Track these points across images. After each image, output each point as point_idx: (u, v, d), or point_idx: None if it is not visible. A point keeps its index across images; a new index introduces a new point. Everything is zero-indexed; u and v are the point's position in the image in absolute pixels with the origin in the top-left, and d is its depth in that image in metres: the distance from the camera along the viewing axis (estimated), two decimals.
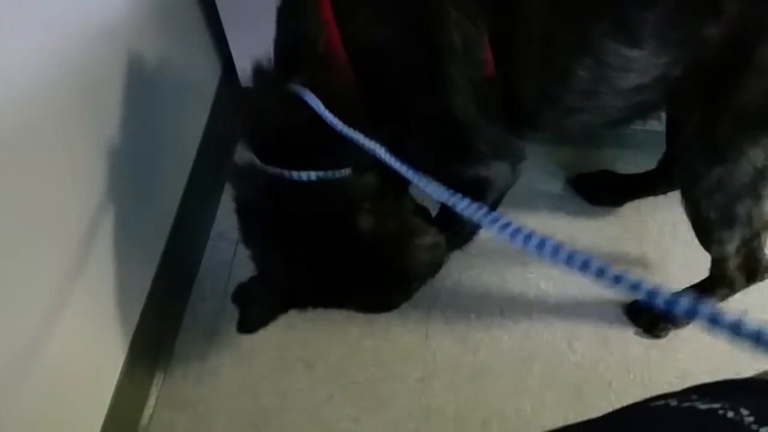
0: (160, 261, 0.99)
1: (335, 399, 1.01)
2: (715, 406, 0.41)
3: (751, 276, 0.94)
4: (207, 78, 1.15)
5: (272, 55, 0.74)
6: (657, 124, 0.94)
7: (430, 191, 0.48)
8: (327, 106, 0.65)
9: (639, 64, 0.69)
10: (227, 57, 1.15)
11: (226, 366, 1.04)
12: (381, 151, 0.56)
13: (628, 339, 1.06)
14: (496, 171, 0.82)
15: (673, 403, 0.44)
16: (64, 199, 0.74)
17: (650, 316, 1.06)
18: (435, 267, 0.78)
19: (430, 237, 0.74)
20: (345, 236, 0.70)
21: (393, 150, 0.70)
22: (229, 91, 1.17)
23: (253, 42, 1.07)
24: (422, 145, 0.73)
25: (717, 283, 0.97)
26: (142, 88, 0.91)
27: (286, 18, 0.73)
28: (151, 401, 0.99)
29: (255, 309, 0.79)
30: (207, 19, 1.10)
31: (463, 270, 1.12)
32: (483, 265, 1.13)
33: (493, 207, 0.88)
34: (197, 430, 0.99)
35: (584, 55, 0.68)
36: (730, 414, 0.40)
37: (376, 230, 0.72)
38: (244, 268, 1.11)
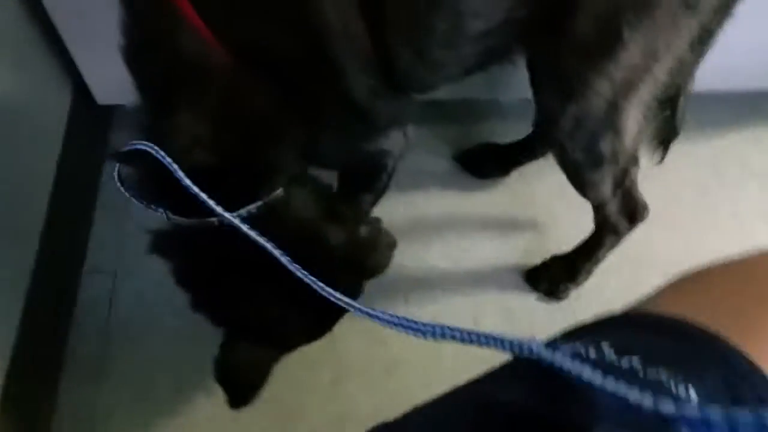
0: (24, 306, 0.89)
1: (243, 420, 0.95)
2: (577, 347, 0.40)
3: (632, 217, 0.97)
4: (56, 101, 1.05)
5: (139, 95, 0.65)
6: (528, 93, 0.95)
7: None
8: (240, 121, 0.63)
9: (485, 9, 0.69)
10: (77, 76, 1.06)
11: (120, 409, 0.95)
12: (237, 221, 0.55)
13: (532, 306, 1.07)
14: (393, 140, 0.81)
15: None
16: None
17: (548, 279, 1.07)
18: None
19: (387, 236, 0.75)
20: (312, 256, 0.62)
21: (306, 139, 0.69)
22: (85, 111, 1.08)
23: (104, 56, 0.99)
24: (327, 131, 0.72)
25: (602, 232, 0.99)
26: None
27: (147, 47, 0.64)
28: None
29: (245, 376, 0.73)
30: (48, 40, 1.00)
31: None
32: None
33: (389, 179, 0.87)
34: None
35: (438, 6, 0.68)
36: (592, 352, 0.39)
37: (350, 239, 0.70)
38: (126, 299, 1.04)
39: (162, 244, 0.68)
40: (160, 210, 0.64)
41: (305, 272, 0.50)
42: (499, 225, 1.14)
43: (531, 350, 0.34)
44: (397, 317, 0.42)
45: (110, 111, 1.14)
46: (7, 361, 0.85)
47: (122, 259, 1.05)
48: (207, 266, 0.68)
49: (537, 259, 1.09)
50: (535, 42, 0.76)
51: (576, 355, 0.40)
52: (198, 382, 0.97)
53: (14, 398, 0.85)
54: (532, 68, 0.82)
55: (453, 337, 0.39)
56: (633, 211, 0.97)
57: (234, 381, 0.73)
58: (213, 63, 0.62)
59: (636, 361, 0.36)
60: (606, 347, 0.38)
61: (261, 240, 0.55)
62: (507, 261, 1.10)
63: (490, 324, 1.04)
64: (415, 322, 0.41)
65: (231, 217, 0.57)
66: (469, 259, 1.10)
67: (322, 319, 0.75)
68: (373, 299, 1.05)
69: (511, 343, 0.36)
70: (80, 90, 1.08)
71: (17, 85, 0.93)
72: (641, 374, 0.35)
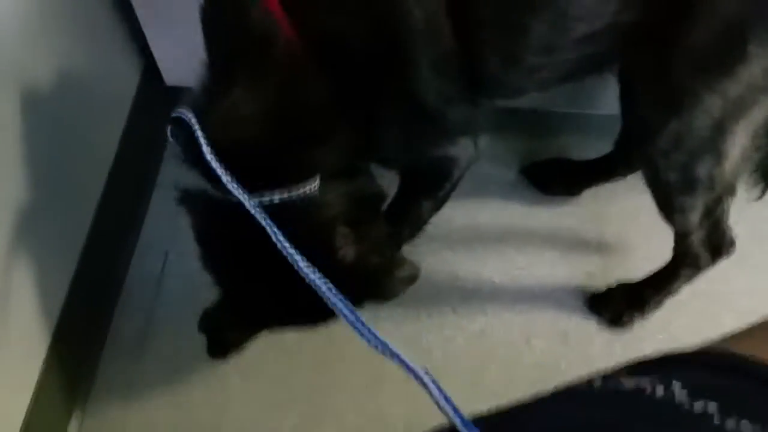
0: (75, 276, 0.90)
1: (277, 409, 0.93)
2: (643, 382, 0.35)
3: (716, 252, 0.89)
4: (125, 78, 1.08)
5: (207, 64, 0.66)
6: (612, 109, 0.89)
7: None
8: (296, 109, 0.63)
9: (590, 11, 0.65)
10: (148, 56, 1.08)
11: (156, 386, 0.95)
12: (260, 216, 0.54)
13: (590, 333, 0.99)
14: (462, 148, 0.78)
15: (598, 383, 0.38)
16: None
17: (613, 307, 0.99)
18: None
19: (409, 269, 0.71)
20: (318, 259, 0.63)
21: (364, 137, 0.68)
22: (152, 90, 1.10)
23: (176, 37, 1.01)
24: (391, 132, 0.71)
25: (681, 263, 0.91)
26: (50, 92, 0.83)
27: (220, 18, 0.65)
28: (72, 428, 0.90)
29: (226, 335, 0.77)
30: (122, 18, 1.03)
31: None
32: (434, 263, 1.05)
33: (452, 188, 0.84)
34: None
35: (540, 7, 0.65)
36: (659, 390, 0.34)
37: (357, 262, 0.68)
38: (175, 279, 1.05)
39: (189, 200, 0.69)
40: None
41: (306, 266, 0.48)
42: (563, 245, 1.08)
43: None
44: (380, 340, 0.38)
45: (177, 92, 1.15)
46: (54, 326, 0.87)
47: (175, 240, 1.06)
48: (221, 235, 0.69)
49: (601, 284, 1.02)
50: (641, 49, 0.70)
51: (639, 392, 0.35)
52: (235, 369, 0.95)
53: (58, 361, 0.87)
54: (626, 79, 0.77)
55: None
56: (718, 245, 0.89)
57: (214, 336, 0.77)
58: (280, 46, 0.62)
59: (712, 408, 0.31)
60: (677, 387, 0.33)
61: (269, 227, 0.54)
62: (567, 282, 1.03)
63: (543, 345, 0.97)
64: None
65: (244, 199, 0.57)
66: (526, 276, 1.04)
67: (308, 313, 0.73)
68: (419, 306, 1.02)
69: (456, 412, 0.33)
70: (150, 69, 1.10)
71: (90, 60, 0.95)
72: (716, 422, 0.30)
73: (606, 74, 0.80)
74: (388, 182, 0.82)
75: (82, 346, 0.94)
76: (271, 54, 0.62)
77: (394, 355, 0.37)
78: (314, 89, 0.64)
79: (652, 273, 0.97)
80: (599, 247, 1.08)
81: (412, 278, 0.71)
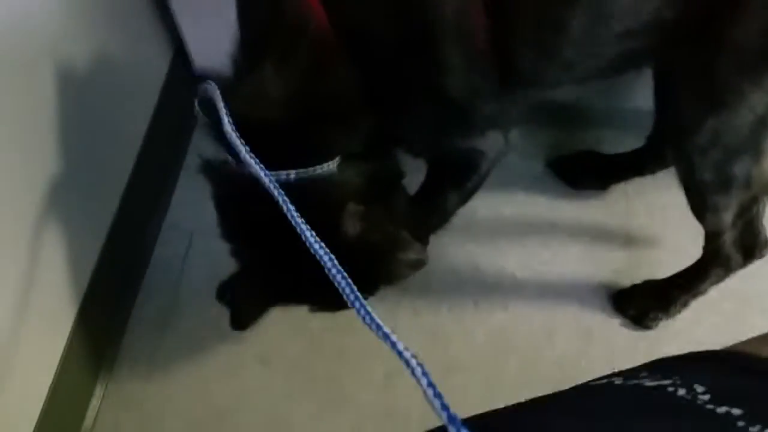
0: (102, 252, 0.92)
1: (294, 397, 0.94)
2: (665, 382, 0.34)
3: (749, 253, 0.86)
4: (156, 63, 1.09)
5: (238, 43, 0.68)
6: (645, 103, 0.87)
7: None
8: (321, 94, 0.64)
9: (631, 7, 0.64)
10: (178, 41, 1.09)
11: (177, 363, 0.96)
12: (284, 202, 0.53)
13: (614, 331, 0.97)
14: (491, 141, 0.77)
15: (618, 381, 0.37)
16: None
17: (639, 305, 0.97)
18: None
19: (414, 253, 0.70)
20: (327, 236, 0.64)
21: (389, 125, 0.68)
22: (181, 75, 1.11)
23: (206, 24, 1.02)
24: (417, 122, 0.71)
25: (711, 263, 0.89)
26: (82, 75, 0.85)
27: (256, 2, 0.68)
28: (95, 402, 0.92)
29: (244, 305, 0.77)
30: (154, 3, 1.04)
31: (435, 259, 1.03)
32: (456, 255, 1.04)
33: (481, 182, 0.83)
34: (145, 431, 0.92)
35: (580, 1, 0.64)
36: (681, 391, 0.33)
37: (360, 238, 0.68)
38: (199, 260, 1.06)
39: (210, 171, 0.70)
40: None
41: (311, 236, 0.48)
42: (588, 240, 1.06)
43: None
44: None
45: (206, 78, 1.16)
46: (81, 300, 0.89)
47: (201, 221, 1.06)
48: (238, 207, 0.70)
49: (627, 282, 1.00)
50: (682, 45, 0.69)
51: (660, 389, 0.34)
52: (256, 353, 0.96)
53: (85, 333, 0.89)
54: (664, 74, 0.76)
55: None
56: (751, 247, 0.86)
57: (232, 307, 0.77)
58: (311, 32, 0.63)
59: (737, 412, 0.30)
60: (699, 389, 0.33)
61: (280, 196, 0.54)
62: (592, 279, 1.01)
63: (565, 341, 0.96)
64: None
65: (259, 170, 0.57)
66: (549, 271, 1.02)
67: (320, 291, 0.73)
68: (440, 297, 1.02)
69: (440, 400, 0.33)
70: (180, 54, 1.11)
71: (121, 42, 0.96)
72: (740, 425, 0.29)
73: (644, 69, 0.78)
74: (416, 171, 0.82)
75: (108, 320, 0.96)
76: (302, 39, 0.63)
77: (386, 338, 0.37)
78: (341, 77, 0.65)
79: (680, 272, 0.95)
80: (625, 243, 1.06)
81: (418, 263, 0.71)
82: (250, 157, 0.58)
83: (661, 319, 0.96)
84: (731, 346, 0.42)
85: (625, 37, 0.67)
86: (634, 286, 0.99)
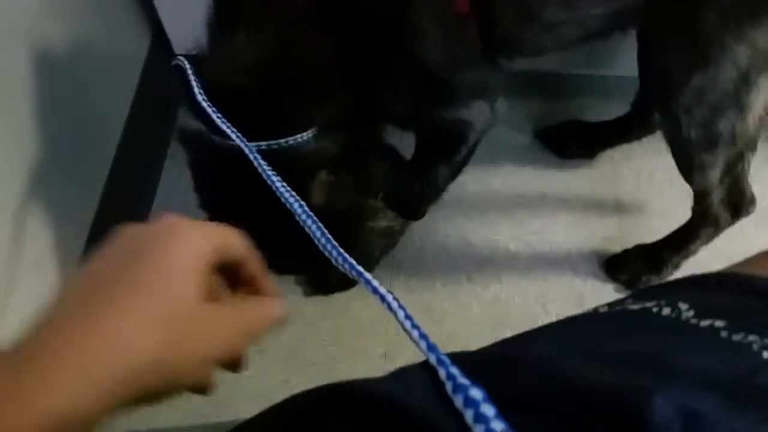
0: (87, 239, 0.90)
1: (291, 383, 0.93)
2: (649, 304, 0.34)
3: (736, 210, 0.87)
4: (135, 46, 1.06)
5: (212, 18, 0.67)
6: (627, 70, 0.86)
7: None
8: (295, 63, 0.64)
9: None
10: (157, 25, 1.06)
11: None
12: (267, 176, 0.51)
13: (607, 296, 0.97)
14: (477, 111, 0.76)
15: (603, 309, 0.38)
16: None
17: (630, 269, 0.98)
18: (387, 248, 0.74)
19: (384, 221, 0.71)
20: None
21: (371, 97, 0.67)
22: (161, 59, 1.08)
23: (184, 5, 0.99)
24: (398, 93, 0.70)
25: (701, 223, 0.90)
26: (61, 58, 0.83)
27: None
28: None
29: None
30: None
31: (426, 236, 1.04)
32: (447, 230, 1.04)
33: (469, 154, 0.82)
34: (141, 421, 0.91)
35: None
36: (666, 310, 0.33)
37: (327, 206, 0.67)
38: None
39: (187, 140, 0.70)
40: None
41: (285, 191, 0.47)
42: (578, 208, 1.06)
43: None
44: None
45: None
46: None
47: (187, 210, 1.03)
48: (214, 176, 0.70)
49: (617, 247, 1.01)
50: (665, 3, 0.69)
51: (645, 311, 0.34)
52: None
53: None
54: (648, 36, 0.75)
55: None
56: (738, 204, 0.87)
57: None
58: (299, 13, 0.63)
59: (719, 323, 0.30)
60: (683, 306, 0.33)
61: (255, 160, 0.53)
62: (583, 246, 1.02)
63: (559, 310, 0.96)
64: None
65: (233, 135, 0.57)
66: (540, 241, 1.03)
67: (296, 258, 0.72)
68: (433, 273, 1.01)
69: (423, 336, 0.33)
70: (159, 38, 1.08)
71: (99, 27, 0.94)
72: (723, 335, 0.30)
73: (629, 32, 0.77)
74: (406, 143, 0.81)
75: None
76: (275, 7, 0.63)
77: (360, 275, 0.37)
78: (315, 44, 0.64)
79: (670, 234, 0.95)
80: (615, 209, 1.06)
81: (389, 230, 0.70)
82: (220, 120, 0.58)
83: (653, 281, 0.97)
84: (717, 271, 0.42)
85: None
86: (625, 251, 1.00)
